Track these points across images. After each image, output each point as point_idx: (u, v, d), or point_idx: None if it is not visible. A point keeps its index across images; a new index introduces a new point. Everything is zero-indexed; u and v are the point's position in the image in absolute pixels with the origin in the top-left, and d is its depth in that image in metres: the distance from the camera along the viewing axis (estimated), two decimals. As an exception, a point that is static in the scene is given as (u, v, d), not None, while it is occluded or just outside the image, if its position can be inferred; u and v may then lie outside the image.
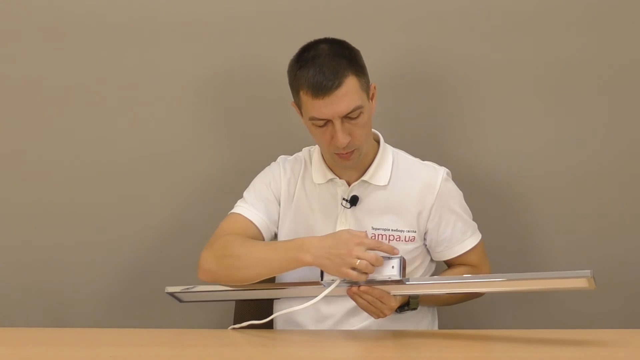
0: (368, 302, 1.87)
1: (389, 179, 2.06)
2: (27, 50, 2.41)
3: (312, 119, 1.94)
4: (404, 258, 1.83)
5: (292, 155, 2.17)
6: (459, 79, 2.41)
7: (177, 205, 2.45)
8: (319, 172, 2.09)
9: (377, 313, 1.90)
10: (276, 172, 2.13)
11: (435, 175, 2.07)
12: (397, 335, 1.99)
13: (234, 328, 1.98)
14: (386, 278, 1.81)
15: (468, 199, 2.13)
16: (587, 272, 1.69)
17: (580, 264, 2.42)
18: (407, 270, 1.94)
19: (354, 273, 1.82)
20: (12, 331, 2.03)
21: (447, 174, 2.09)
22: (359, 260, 1.81)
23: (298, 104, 1.99)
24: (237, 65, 2.41)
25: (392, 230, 2.04)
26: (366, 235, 1.87)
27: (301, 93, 1.93)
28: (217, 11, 2.40)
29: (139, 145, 2.44)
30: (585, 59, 2.40)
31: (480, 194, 2.36)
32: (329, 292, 1.85)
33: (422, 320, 2.09)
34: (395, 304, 1.88)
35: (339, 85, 1.89)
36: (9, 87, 2.42)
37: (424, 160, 2.12)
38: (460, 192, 2.11)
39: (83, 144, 2.44)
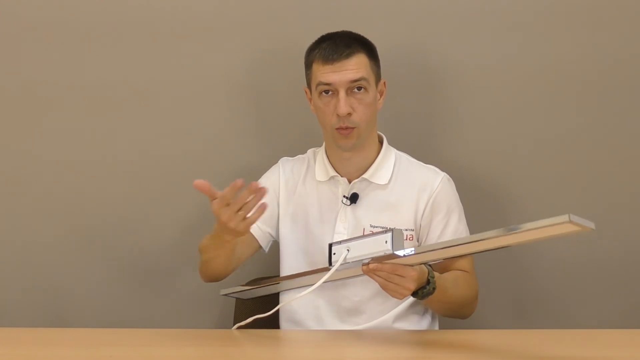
0: (385, 279, 1.81)
1: (390, 179, 2.09)
2: (40, 50, 2.42)
3: (319, 84, 2.01)
4: (397, 230, 1.78)
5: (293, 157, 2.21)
6: (457, 80, 2.42)
7: (179, 206, 2.44)
8: (321, 170, 2.13)
9: (398, 290, 1.81)
10: (274, 175, 2.18)
11: (435, 177, 2.10)
12: (398, 335, 2.00)
13: (240, 326, 1.96)
14: (380, 253, 1.78)
15: (465, 199, 2.14)
16: (565, 216, 1.56)
17: (579, 264, 2.44)
18: None
19: (246, 221, 1.79)
20: (12, 331, 2.03)
21: (448, 179, 2.11)
22: (240, 212, 1.77)
23: (309, 80, 2.06)
24: (253, 65, 2.42)
25: (390, 228, 2.03)
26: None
27: (314, 65, 2.03)
28: (238, 7, 2.41)
29: (143, 144, 2.44)
30: (582, 60, 2.41)
31: (476, 195, 2.36)
32: (332, 273, 1.83)
33: (423, 320, 2.10)
34: (414, 273, 1.80)
35: (349, 55, 2.00)
36: (23, 86, 2.43)
37: (426, 164, 2.15)
38: (460, 204, 2.12)
39: (86, 142, 2.44)
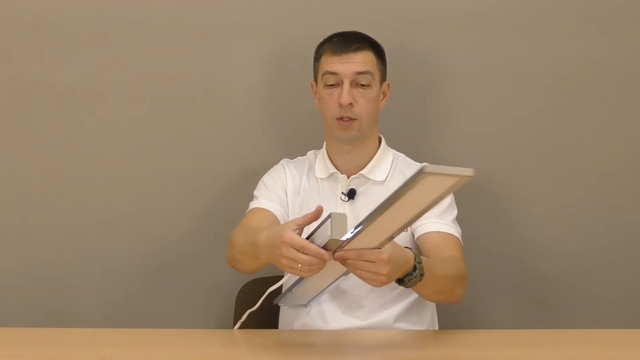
0: (355, 267, 1.71)
1: (387, 176, 2.12)
2: (41, 50, 2.42)
3: (325, 73, 2.06)
4: (337, 214, 1.66)
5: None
6: (456, 80, 2.42)
7: (181, 205, 2.45)
8: (321, 167, 2.16)
9: (371, 277, 1.71)
10: (280, 171, 2.19)
11: None
12: (398, 335, 2.00)
13: (240, 325, 1.97)
14: (326, 240, 1.67)
15: (462, 199, 2.13)
16: (420, 169, 1.48)
17: (578, 264, 2.44)
18: None
19: (298, 272, 1.73)
20: (12, 331, 2.02)
21: None
22: (300, 265, 1.70)
23: (316, 72, 2.10)
24: (256, 66, 2.43)
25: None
26: (297, 235, 1.72)
27: (322, 57, 2.09)
28: (240, 9, 2.42)
29: (145, 144, 2.44)
30: (582, 59, 2.41)
31: (475, 195, 2.36)
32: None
33: (423, 320, 2.10)
34: (384, 255, 1.69)
35: (357, 50, 2.06)
36: (24, 86, 2.43)
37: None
38: (453, 198, 2.10)
39: (88, 141, 2.44)
